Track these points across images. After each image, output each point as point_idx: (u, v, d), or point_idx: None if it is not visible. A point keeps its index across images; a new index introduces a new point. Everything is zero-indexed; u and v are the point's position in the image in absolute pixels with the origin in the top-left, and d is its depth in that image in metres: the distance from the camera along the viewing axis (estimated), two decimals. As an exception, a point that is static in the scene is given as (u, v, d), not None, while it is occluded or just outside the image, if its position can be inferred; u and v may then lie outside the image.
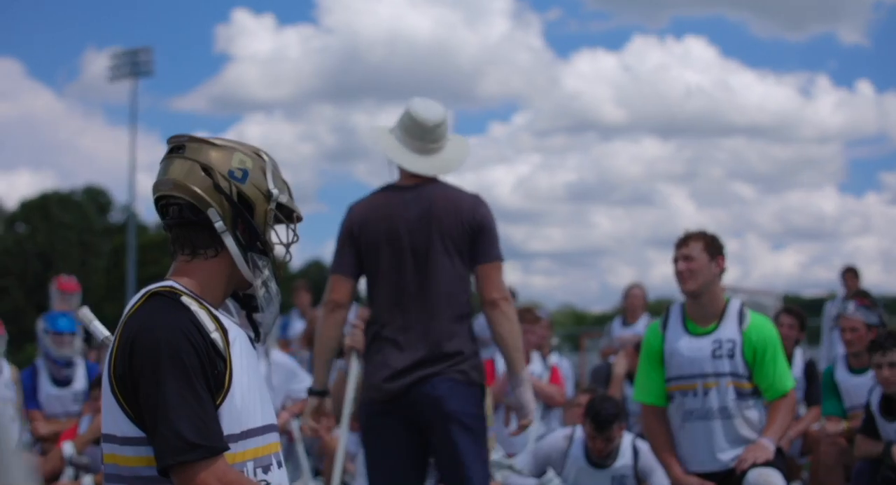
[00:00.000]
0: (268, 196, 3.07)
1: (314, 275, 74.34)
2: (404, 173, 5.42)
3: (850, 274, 13.68)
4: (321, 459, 9.13)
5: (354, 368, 6.01)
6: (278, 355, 7.91)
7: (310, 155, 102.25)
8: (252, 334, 3.16)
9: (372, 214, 5.31)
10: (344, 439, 6.12)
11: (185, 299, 2.92)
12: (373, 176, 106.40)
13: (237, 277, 3.08)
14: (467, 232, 5.28)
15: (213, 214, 3.00)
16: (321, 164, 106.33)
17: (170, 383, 2.76)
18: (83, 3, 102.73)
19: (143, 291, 2.99)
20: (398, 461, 5.24)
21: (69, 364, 9.54)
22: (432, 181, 5.41)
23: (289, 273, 75.38)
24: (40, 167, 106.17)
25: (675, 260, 6.30)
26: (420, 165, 5.36)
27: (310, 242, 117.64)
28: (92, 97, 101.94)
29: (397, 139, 5.39)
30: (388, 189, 5.44)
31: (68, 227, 67.42)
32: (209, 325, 2.89)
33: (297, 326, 13.76)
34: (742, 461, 6.02)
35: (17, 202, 70.36)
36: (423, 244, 5.23)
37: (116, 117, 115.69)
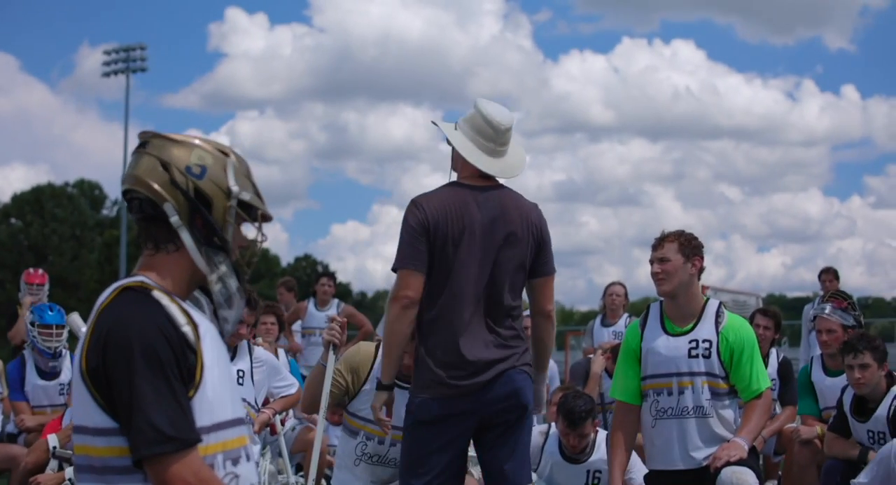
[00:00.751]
0: (227, 193, 3.12)
1: (306, 269, 74.54)
2: (471, 173, 5.41)
3: (827, 275, 13.68)
4: (295, 455, 9.22)
5: (331, 362, 6.07)
6: (261, 352, 7.93)
7: (301, 152, 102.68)
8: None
9: (448, 212, 5.24)
10: (321, 432, 6.19)
11: (156, 293, 2.98)
12: (363, 174, 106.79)
13: (201, 272, 3.14)
14: (534, 242, 5.38)
15: (168, 208, 3.06)
16: (312, 161, 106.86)
17: (144, 377, 2.81)
18: (78, 0, 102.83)
19: (114, 285, 3.05)
20: (453, 458, 5.31)
21: (56, 356, 9.63)
22: (497, 185, 5.45)
23: (279, 268, 75.26)
24: (34, 162, 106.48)
25: (651, 262, 6.34)
26: (492, 165, 5.38)
27: (301, 238, 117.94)
28: (86, 93, 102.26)
29: (468, 139, 5.40)
30: (456, 186, 5.41)
31: (61, 220, 67.26)
32: (180, 318, 2.94)
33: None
34: (716, 459, 6.04)
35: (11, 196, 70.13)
36: (493, 247, 5.26)
37: (110, 113, 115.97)
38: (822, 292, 13.65)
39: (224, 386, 3.04)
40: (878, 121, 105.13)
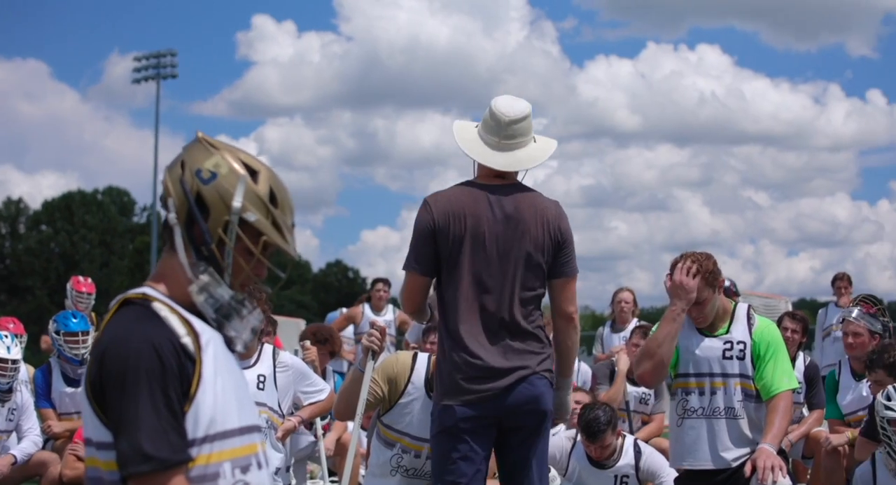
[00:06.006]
0: (228, 207, 3.02)
1: (337, 275, 74.82)
2: (486, 171, 5.29)
3: (842, 282, 13.66)
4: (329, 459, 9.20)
5: (369, 369, 6.02)
6: (286, 356, 7.90)
7: (330, 159, 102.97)
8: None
9: (455, 209, 5.12)
10: (355, 438, 6.17)
11: (156, 306, 2.96)
12: (393, 180, 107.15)
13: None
14: (551, 243, 5.23)
15: (170, 203, 3.04)
16: (341, 168, 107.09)
17: (132, 395, 2.80)
18: (108, 8, 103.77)
19: (117, 297, 3.04)
20: (480, 465, 5.18)
21: (83, 363, 9.61)
22: (514, 182, 5.31)
23: (310, 274, 75.41)
24: (65, 169, 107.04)
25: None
26: (493, 159, 5.24)
27: (332, 244, 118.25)
28: (115, 100, 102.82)
29: (478, 134, 5.30)
30: (469, 185, 5.28)
31: (91, 227, 67.60)
32: (180, 330, 2.92)
33: None
34: (762, 471, 5.83)
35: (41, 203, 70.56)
36: (506, 247, 5.12)
37: (140, 120, 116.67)
38: (836, 298, 13.66)
39: (230, 394, 3.00)
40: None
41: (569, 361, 5.51)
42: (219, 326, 3.05)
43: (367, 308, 13.93)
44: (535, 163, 5.35)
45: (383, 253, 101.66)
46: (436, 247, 5.15)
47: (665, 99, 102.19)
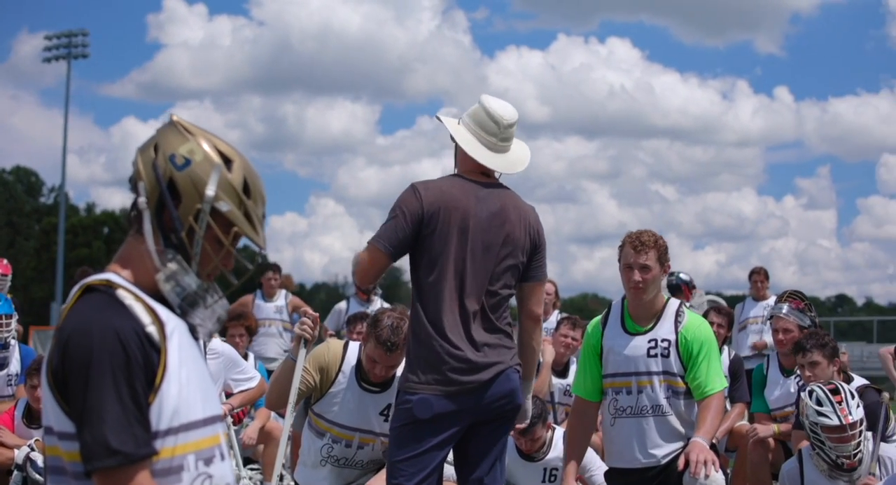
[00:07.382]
0: (201, 195, 2.97)
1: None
2: (472, 168, 5.34)
3: (758, 276, 13.79)
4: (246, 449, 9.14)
5: (301, 357, 5.99)
6: (217, 343, 7.83)
7: (239, 143, 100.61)
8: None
9: (446, 201, 5.15)
10: (287, 428, 6.13)
11: (121, 293, 2.90)
12: (301, 166, 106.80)
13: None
14: (530, 245, 5.32)
15: (141, 187, 2.97)
16: (250, 152, 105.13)
17: (96, 387, 2.74)
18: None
19: (80, 283, 2.95)
20: (441, 459, 5.19)
21: (5, 347, 9.47)
22: (497, 183, 5.39)
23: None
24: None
25: (629, 267, 6.28)
26: (494, 160, 5.31)
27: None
28: (24, 79, 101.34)
29: (471, 133, 5.34)
30: (458, 179, 5.33)
31: (-4, 207, 66.58)
32: (145, 319, 2.87)
33: None
34: (696, 465, 5.83)
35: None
36: (489, 245, 5.17)
37: (49, 100, 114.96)
38: (751, 292, 13.83)
39: (194, 385, 2.94)
40: (811, 124, 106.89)
41: (534, 363, 5.58)
42: (183, 313, 2.99)
43: (258, 295, 13.80)
44: (524, 166, 5.47)
45: (291, 239, 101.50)
46: (416, 234, 5.15)
47: (574, 91, 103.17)
